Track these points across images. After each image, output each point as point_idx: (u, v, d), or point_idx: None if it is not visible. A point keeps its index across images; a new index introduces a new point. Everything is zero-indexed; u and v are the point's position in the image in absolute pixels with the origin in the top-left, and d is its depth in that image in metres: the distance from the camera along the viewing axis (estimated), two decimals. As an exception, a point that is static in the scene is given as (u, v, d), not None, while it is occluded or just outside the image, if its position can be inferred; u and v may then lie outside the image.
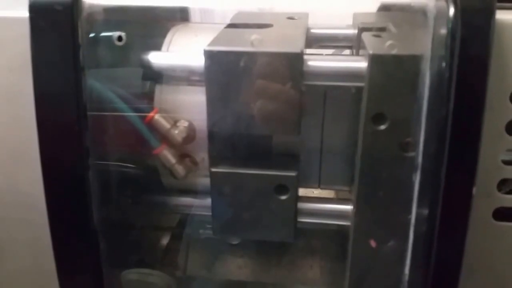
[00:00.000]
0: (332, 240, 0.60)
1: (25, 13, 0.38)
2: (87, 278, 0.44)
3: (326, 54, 0.59)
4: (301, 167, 0.48)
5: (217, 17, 0.55)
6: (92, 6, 0.40)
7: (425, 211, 0.39)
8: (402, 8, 0.48)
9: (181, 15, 0.57)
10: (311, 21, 0.56)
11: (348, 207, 0.47)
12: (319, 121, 0.48)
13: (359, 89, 0.42)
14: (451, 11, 0.35)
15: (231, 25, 0.50)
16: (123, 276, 0.52)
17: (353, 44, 0.56)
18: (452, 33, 0.35)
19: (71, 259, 0.44)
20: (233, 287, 0.60)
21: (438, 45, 0.37)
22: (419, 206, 0.40)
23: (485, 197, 0.41)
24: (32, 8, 0.38)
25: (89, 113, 0.41)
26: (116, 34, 0.44)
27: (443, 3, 0.36)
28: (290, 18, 0.54)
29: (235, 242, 0.58)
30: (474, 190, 0.38)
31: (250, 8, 0.58)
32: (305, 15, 0.56)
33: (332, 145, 0.49)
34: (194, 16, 0.62)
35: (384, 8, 0.54)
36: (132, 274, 0.53)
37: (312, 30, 0.56)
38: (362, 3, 0.56)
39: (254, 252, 0.61)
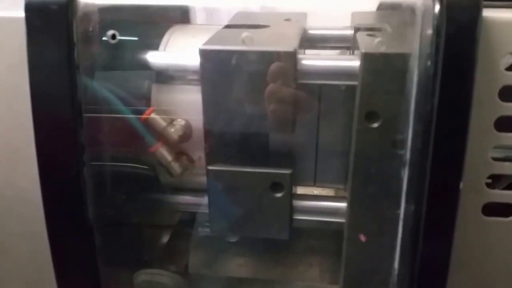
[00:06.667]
0: (331, 239, 0.60)
1: (22, 13, 0.39)
2: (84, 273, 0.45)
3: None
4: (296, 165, 0.48)
5: (223, 17, 0.55)
6: (87, 5, 0.40)
7: (413, 207, 0.39)
8: (395, 7, 0.48)
9: (181, 16, 0.58)
10: (311, 22, 0.57)
11: (343, 205, 0.47)
12: (314, 119, 0.49)
13: (353, 88, 0.42)
14: (437, 8, 0.36)
15: (228, 26, 0.51)
16: (135, 277, 0.53)
17: (351, 45, 0.56)
18: (437, 30, 0.36)
19: (67, 254, 0.44)
20: (240, 286, 0.61)
21: (425, 43, 0.37)
22: (407, 201, 0.40)
23: (474, 193, 0.41)
24: (28, 8, 0.39)
25: (87, 114, 0.42)
26: (109, 32, 0.44)
27: (429, 1, 0.36)
28: (287, 19, 0.54)
29: (233, 240, 0.58)
30: (461, 185, 0.38)
31: (252, 8, 0.58)
32: (303, 16, 0.57)
33: (327, 143, 0.50)
34: (199, 15, 0.63)
35: (382, 7, 0.54)
36: (143, 275, 0.53)
37: (310, 31, 0.57)
38: (362, 3, 0.57)
39: (254, 250, 0.62)
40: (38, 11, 0.39)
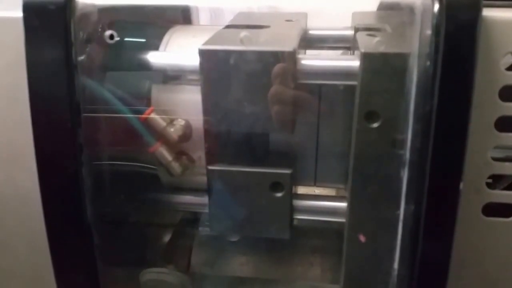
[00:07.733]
0: (332, 239, 0.60)
1: (20, 13, 0.39)
2: (82, 272, 0.45)
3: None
4: (297, 165, 0.48)
5: (227, 17, 0.55)
6: (86, 5, 0.40)
7: (413, 207, 0.39)
8: (395, 7, 0.48)
9: (182, 16, 0.58)
10: (312, 22, 0.57)
11: (343, 204, 0.47)
12: (314, 119, 0.49)
13: (352, 87, 0.42)
14: (436, 7, 0.35)
15: (229, 26, 0.51)
16: (140, 276, 0.53)
17: (351, 45, 0.56)
18: (436, 30, 0.35)
19: (66, 253, 0.44)
20: (242, 284, 0.61)
21: (424, 43, 0.37)
22: (407, 201, 0.40)
23: (474, 193, 0.40)
24: (26, 8, 0.39)
25: (87, 114, 0.42)
26: (107, 32, 0.44)
27: (428, 0, 0.36)
28: (288, 20, 0.54)
29: (233, 239, 0.58)
30: (461, 185, 0.38)
31: (254, 8, 0.58)
32: (304, 16, 0.57)
33: (327, 143, 0.50)
34: (203, 16, 0.62)
35: (382, 7, 0.54)
36: (148, 274, 0.53)
37: (311, 32, 0.57)
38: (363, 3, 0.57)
39: (256, 249, 0.62)
40: (36, 11, 0.39)
